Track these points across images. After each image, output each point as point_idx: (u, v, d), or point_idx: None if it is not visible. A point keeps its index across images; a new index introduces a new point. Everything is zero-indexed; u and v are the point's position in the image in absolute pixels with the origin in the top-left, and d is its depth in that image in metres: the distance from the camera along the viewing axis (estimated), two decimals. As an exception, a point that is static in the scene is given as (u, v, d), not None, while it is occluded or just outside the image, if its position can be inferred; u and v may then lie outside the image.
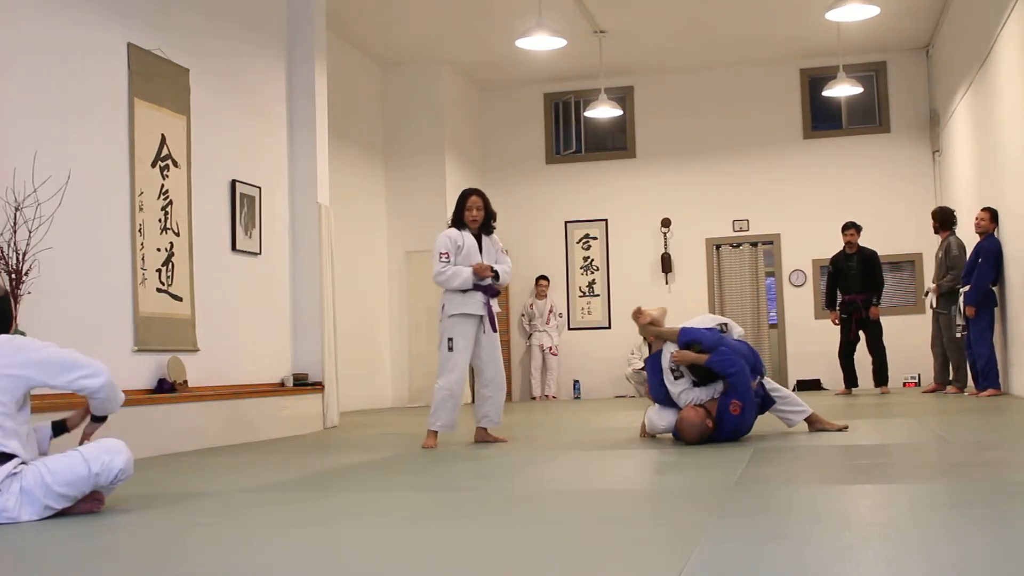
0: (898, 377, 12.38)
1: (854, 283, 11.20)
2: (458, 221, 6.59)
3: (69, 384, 3.86)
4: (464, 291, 6.46)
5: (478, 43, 12.82)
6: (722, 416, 5.80)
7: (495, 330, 6.58)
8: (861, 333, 11.26)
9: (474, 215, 6.57)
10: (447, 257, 6.44)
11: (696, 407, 5.85)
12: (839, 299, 11.30)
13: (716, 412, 5.82)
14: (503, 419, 6.85)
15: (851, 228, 11.32)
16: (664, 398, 6.10)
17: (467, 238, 6.53)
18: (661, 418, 6.12)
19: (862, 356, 11.29)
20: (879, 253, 11.45)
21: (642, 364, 13.52)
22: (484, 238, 6.63)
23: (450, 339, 6.47)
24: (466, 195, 6.63)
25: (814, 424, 6.29)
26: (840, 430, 6.26)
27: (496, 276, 6.60)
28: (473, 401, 6.93)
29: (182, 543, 3.38)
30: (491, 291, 6.55)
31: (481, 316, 6.51)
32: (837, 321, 11.31)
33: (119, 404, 4.04)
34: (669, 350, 6.02)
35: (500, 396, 6.64)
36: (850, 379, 11.38)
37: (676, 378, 5.98)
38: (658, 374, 6.07)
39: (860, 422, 7.48)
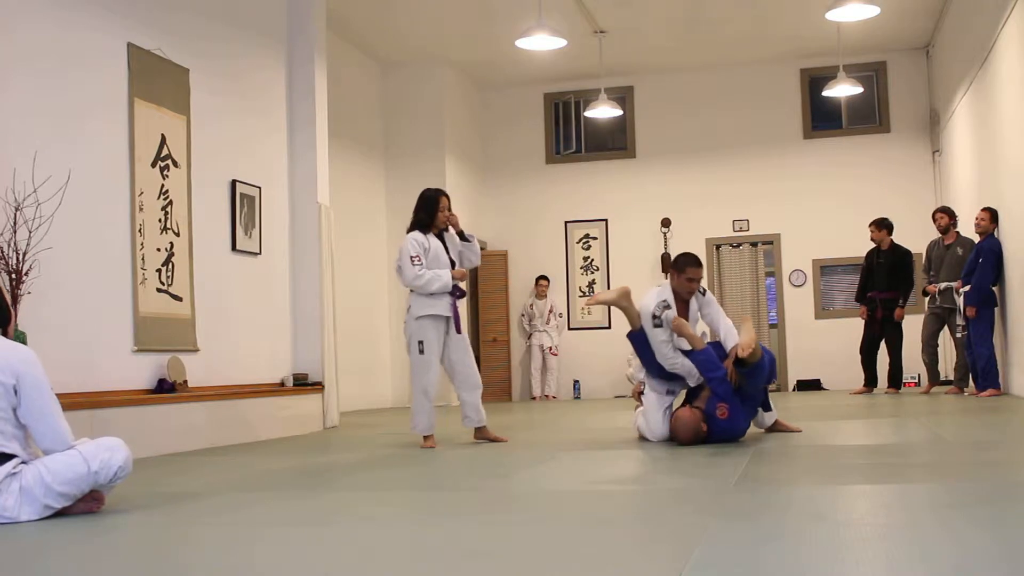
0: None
1: (879, 280, 11.16)
2: (427, 223, 6.58)
3: (35, 426, 3.80)
4: (432, 293, 6.48)
5: (478, 43, 12.82)
6: (711, 418, 5.79)
7: (460, 331, 6.62)
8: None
9: (447, 215, 6.61)
10: (419, 260, 6.45)
11: (692, 408, 5.85)
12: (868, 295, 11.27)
13: (705, 413, 5.82)
14: (498, 418, 6.87)
15: (872, 225, 11.29)
16: (658, 371, 6.11)
17: (432, 240, 6.57)
18: (652, 432, 6.11)
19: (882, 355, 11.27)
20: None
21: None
22: (444, 236, 6.68)
23: (420, 342, 6.48)
24: (437, 196, 6.63)
25: (774, 426, 6.32)
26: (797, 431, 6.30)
27: (466, 238, 6.70)
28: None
29: (182, 543, 3.38)
30: (458, 292, 6.60)
31: (448, 317, 6.55)
32: (864, 316, 11.28)
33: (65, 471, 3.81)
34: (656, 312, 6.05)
35: (476, 395, 6.66)
36: (870, 378, 11.31)
37: (655, 326, 5.99)
38: (646, 345, 6.08)
39: (860, 422, 7.48)
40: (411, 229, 6.58)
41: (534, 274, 14.33)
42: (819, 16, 11.26)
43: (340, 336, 9.67)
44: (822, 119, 14.02)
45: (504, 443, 6.59)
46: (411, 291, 6.55)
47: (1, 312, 4.02)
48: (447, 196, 6.68)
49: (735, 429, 5.83)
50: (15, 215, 5.76)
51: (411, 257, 6.43)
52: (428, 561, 2.86)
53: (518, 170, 14.70)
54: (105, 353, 6.67)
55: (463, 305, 6.74)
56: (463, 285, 6.66)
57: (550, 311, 14.16)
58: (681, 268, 6.11)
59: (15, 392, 3.77)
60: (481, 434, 6.70)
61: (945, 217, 10.61)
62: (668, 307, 6.06)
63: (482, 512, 3.82)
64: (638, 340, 6.17)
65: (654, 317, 6.04)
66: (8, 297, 4.10)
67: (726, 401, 5.76)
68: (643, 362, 6.22)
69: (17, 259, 5.68)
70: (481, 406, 6.69)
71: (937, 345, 10.92)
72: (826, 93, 12.68)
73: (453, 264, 6.62)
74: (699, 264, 6.16)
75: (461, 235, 6.73)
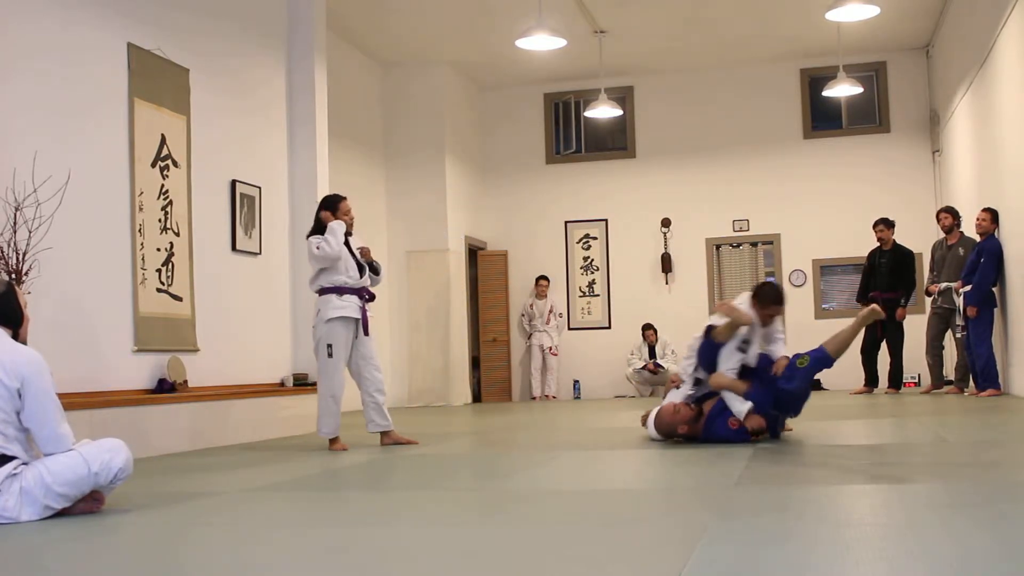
0: (898, 377, 12.36)
1: (882, 281, 11.14)
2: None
3: (37, 431, 3.80)
4: (341, 295, 6.48)
5: (478, 43, 12.81)
6: (713, 421, 5.77)
7: (368, 334, 6.60)
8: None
9: (350, 218, 6.62)
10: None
11: (684, 406, 5.84)
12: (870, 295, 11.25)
13: (708, 414, 5.80)
14: (499, 418, 6.84)
15: (879, 224, 11.27)
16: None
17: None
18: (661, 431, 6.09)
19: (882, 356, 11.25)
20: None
21: (642, 364, 13.53)
22: (349, 240, 6.67)
23: (329, 345, 6.48)
24: (338, 200, 6.65)
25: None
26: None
27: (375, 271, 6.69)
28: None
29: (182, 543, 3.38)
30: (367, 296, 6.63)
31: (357, 320, 6.55)
32: None
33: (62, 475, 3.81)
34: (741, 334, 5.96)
35: (381, 399, 6.65)
36: (871, 378, 11.30)
37: (739, 349, 5.87)
38: (711, 354, 5.95)
39: (860, 422, 7.49)
40: (312, 234, 6.58)
41: (534, 274, 14.33)
42: (819, 16, 11.27)
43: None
44: (822, 119, 14.02)
45: (416, 444, 6.56)
46: (319, 294, 6.55)
47: (14, 314, 3.99)
48: (346, 199, 6.70)
49: (731, 440, 5.77)
50: (15, 215, 5.75)
51: (316, 246, 6.43)
52: (428, 561, 2.86)
53: (518, 170, 14.70)
54: (105, 353, 6.67)
55: (372, 308, 6.77)
56: (374, 290, 6.71)
57: (550, 311, 14.16)
58: (764, 303, 5.98)
59: (19, 396, 3.77)
60: (389, 438, 6.67)
61: (949, 217, 10.60)
62: (747, 342, 5.94)
63: (482, 512, 3.82)
64: (709, 348, 5.98)
65: (743, 341, 5.93)
66: (23, 300, 4.08)
67: (763, 413, 5.72)
68: (701, 364, 6.04)
69: (17, 259, 5.68)
70: (387, 410, 6.67)
71: (942, 347, 10.89)
72: (826, 93, 12.68)
73: (360, 267, 6.61)
74: (781, 302, 6.06)
75: (371, 266, 6.70)
